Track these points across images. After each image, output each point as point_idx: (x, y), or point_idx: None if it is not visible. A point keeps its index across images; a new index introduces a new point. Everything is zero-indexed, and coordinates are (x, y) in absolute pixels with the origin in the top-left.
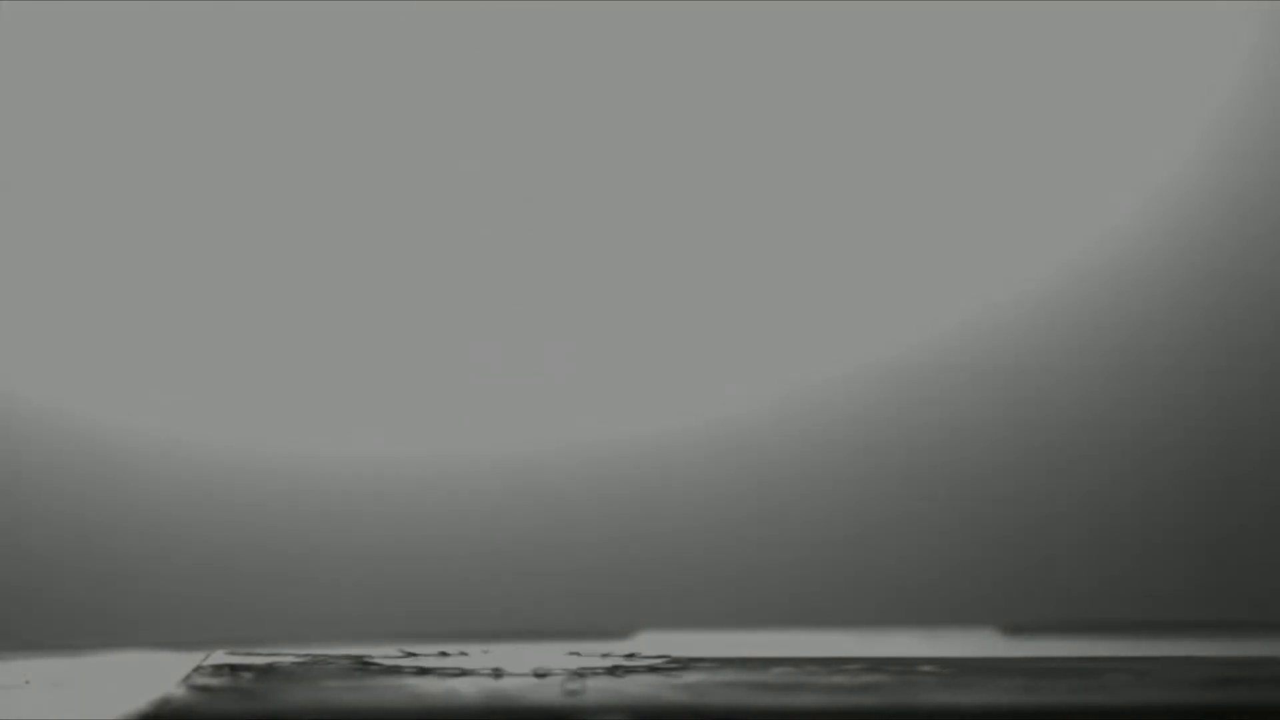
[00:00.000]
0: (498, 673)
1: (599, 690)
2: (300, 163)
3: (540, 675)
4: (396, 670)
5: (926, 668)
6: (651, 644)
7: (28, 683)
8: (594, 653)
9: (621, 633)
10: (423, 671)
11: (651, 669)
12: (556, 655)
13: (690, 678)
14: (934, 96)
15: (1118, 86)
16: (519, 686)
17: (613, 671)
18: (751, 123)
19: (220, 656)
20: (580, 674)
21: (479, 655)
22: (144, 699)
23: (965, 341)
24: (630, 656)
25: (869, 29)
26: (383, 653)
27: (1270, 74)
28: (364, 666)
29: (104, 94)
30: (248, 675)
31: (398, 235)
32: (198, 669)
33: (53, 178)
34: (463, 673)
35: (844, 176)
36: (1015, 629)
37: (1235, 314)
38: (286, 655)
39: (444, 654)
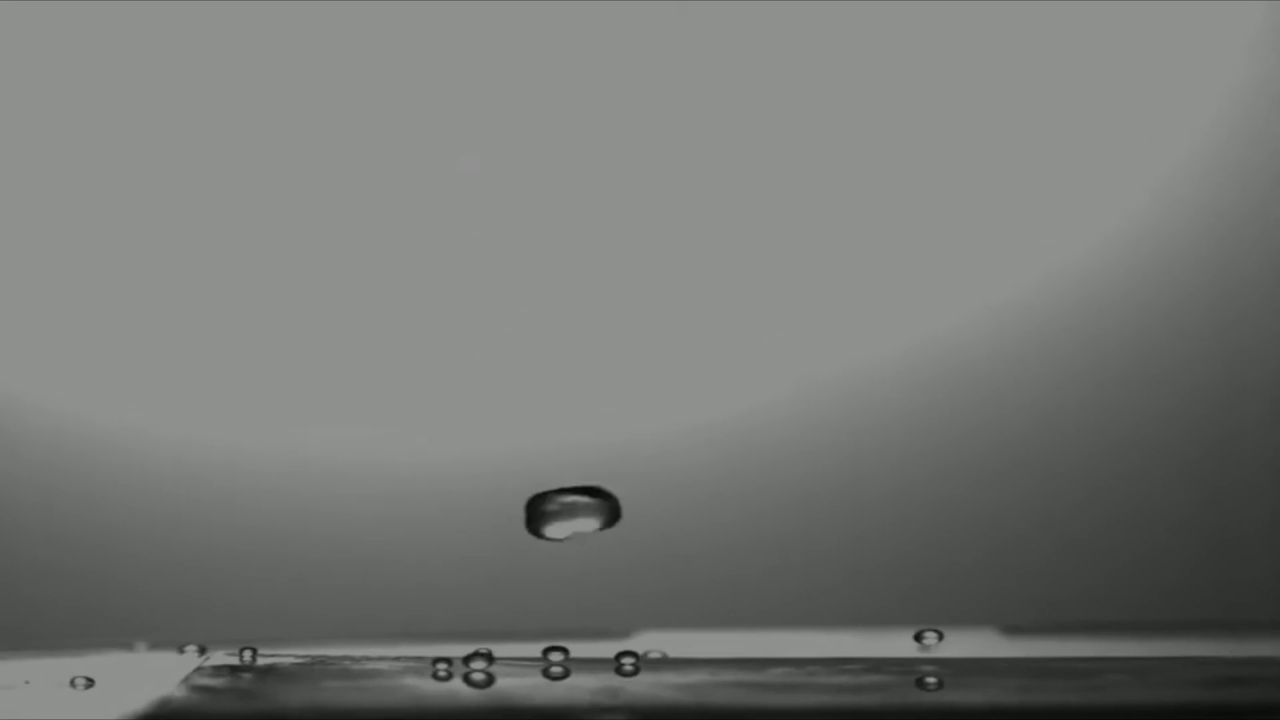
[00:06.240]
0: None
1: (601, 690)
2: (292, 156)
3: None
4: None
5: (926, 668)
6: (651, 644)
7: (28, 683)
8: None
9: (621, 633)
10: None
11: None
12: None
13: (690, 678)
14: (924, 97)
15: (1112, 86)
16: (522, 686)
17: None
18: (738, 121)
19: (220, 656)
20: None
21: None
22: (144, 699)
23: (965, 341)
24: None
25: (858, 27)
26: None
27: (1271, 75)
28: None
29: (98, 89)
30: (248, 675)
31: (390, 231)
32: (198, 669)
33: (46, 172)
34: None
35: (840, 176)
36: (1015, 629)
37: (1236, 312)
38: (286, 655)
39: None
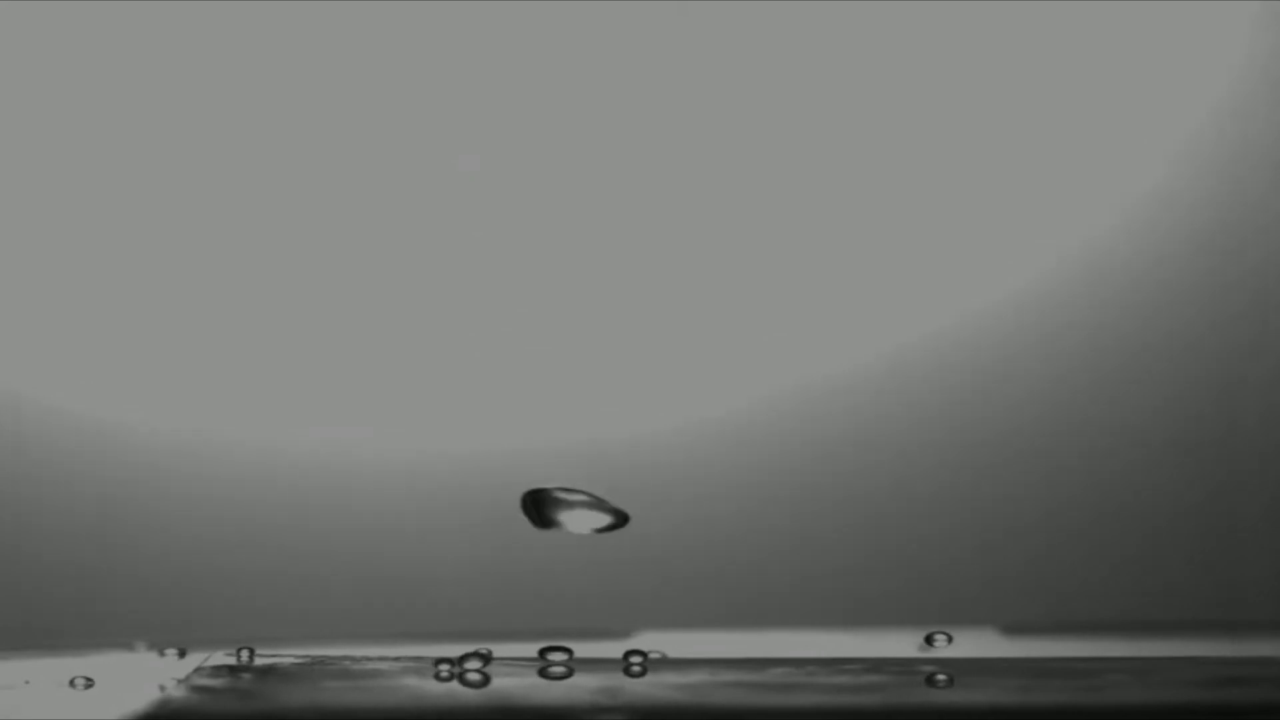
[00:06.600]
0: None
1: (601, 690)
2: (292, 156)
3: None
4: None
5: (926, 668)
6: (651, 644)
7: (28, 683)
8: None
9: (621, 633)
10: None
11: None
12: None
13: (690, 678)
14: (918, 98)
15: (1105, 87)
16: (522, 686)
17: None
18: (738, 120)
19: (220, 657)
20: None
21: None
22: (144, 699)
23: (964, 341)
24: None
25: (857, 27)
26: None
27: (1266, 76)
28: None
29: (99, 88)
30: (247, 675)
31: (390, 231)
32: (198, 669)
33: (45, 171)
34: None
35: (835, 178)
36: (1015, 629)
37: (1235, 311)
38: (286, 655)
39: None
